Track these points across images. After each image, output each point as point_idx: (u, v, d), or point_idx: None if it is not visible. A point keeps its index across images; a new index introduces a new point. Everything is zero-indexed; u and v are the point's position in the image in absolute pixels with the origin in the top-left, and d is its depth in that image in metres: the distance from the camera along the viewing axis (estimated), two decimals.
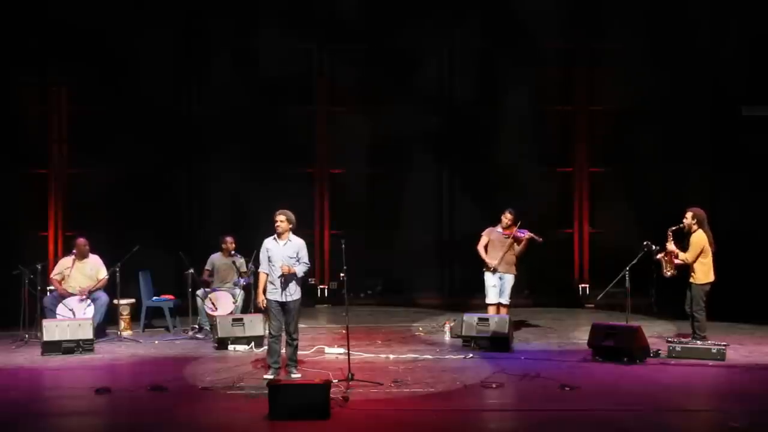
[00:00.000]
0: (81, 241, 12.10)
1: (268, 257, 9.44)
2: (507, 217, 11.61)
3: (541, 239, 11.55)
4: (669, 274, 10.65)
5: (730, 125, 14.69)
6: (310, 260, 9.72)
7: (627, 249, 10.93)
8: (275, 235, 9.47)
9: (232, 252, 12.38)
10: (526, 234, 11.51)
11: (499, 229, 11.67)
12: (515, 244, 11.56)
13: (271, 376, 9.19)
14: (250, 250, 11.57)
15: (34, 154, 15.07)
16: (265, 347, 9.90)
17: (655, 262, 10.74)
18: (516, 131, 15.31)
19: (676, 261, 10.56)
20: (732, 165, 14.63)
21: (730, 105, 14.63)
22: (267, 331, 9.83)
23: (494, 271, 11.50)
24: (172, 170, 15.06)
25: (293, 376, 9.34)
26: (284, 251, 9.41)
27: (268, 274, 9.46)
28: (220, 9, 14.91)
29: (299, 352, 9.71)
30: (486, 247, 11.64)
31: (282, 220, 9.42)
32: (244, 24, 15.01)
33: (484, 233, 11.72)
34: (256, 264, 9.99)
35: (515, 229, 11.53)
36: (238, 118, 15.08)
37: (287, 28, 15.07)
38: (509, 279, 11.61)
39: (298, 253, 9.46)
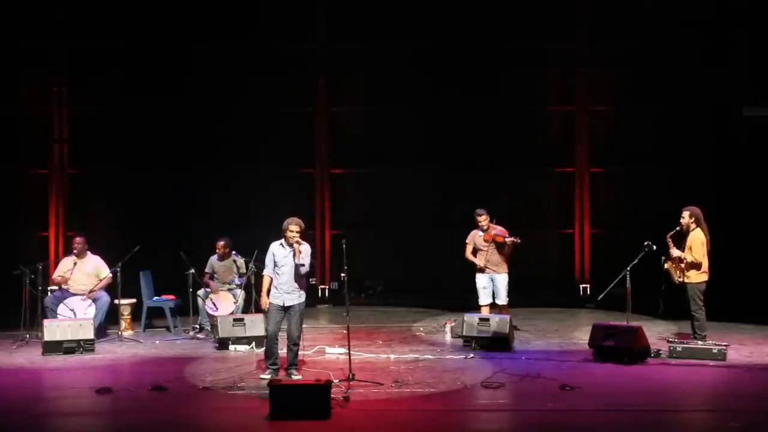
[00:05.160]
0: (78, 240, 12.09)
1: (275, 262, 9.42)
2: (481, 221, 11.63)
3: (519, 240, 11.58)
4: (680, 281, 10.53)
5: (730, 125, 14.70)
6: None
7: (627, 249, 10.92)
8: (282, 240, 9.43)
9: (232, 253, 12.35)
10: (506, 237, 11.53)
11: (480, 232, 11.70)
12: (499, 247, 11.61)
13: (268, 377, 9.17)
14: (251, 249, 11.57)
15: (34, 154, 15.09)
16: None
17: (664, 273, 10.57)
18: (516, 131, 15.31)
19: (682, 265, 10.44)
20: (732, 165, 14.64)
21: (730, 105, 14.63)
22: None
23: (484, 270, 11.56)
24: (172, 170, 15.04)
25: (294, 377, 9.33)
26: (292, 257, 9.37)
27: (272, 278, 9.44)
28: (220, 8, 14.89)
29: (300, 352, 9.67)
30: (474, 254, 11.74)
31: (298, 231, 9.33)
32: (244, 23, 14.99)
33: (467, 240, 11.80)
34: (256, 264, 9.95)
35: (492, 228, 11.57)
36: (238, 117, 15.08)
37: (287, 28, 15.06)
38: (501, 279, 11.66)
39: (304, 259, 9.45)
